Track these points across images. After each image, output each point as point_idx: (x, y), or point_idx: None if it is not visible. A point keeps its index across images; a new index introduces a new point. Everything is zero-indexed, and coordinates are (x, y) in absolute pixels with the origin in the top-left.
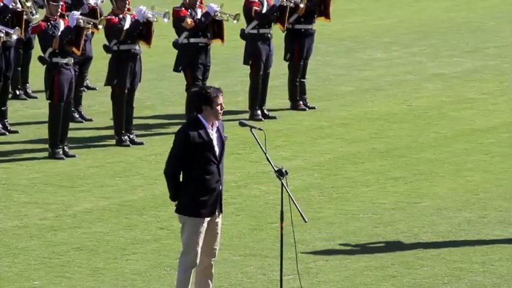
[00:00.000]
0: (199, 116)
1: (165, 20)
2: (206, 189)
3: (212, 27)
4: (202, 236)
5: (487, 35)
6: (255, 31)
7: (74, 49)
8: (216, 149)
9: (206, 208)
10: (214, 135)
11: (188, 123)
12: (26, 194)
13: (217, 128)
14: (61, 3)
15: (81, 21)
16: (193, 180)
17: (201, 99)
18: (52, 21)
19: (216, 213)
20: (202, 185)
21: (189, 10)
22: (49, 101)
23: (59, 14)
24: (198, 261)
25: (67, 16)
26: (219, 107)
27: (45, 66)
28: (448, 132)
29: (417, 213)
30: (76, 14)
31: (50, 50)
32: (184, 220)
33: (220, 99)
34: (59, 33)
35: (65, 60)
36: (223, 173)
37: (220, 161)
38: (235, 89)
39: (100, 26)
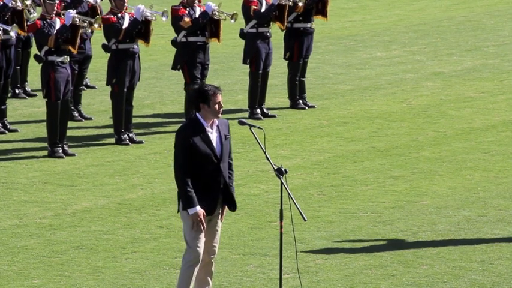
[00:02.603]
0: (197, 115)
1: (164, 19)
2: (206, 187)
3: (210, 26)
4: (203, 233)
5: (487, 33)
6: (254, 30)
7: (70, 47)
8: (216, 148)
9: (206, 206)
10: (214, 134)
11: (187, 123)
12: (25, 193)
13: (217, 126)
14: (57, 1)
15: (77, 20)
16: (193, 179)
17: (198, 97)
18: (48, 20)
19: (217, 211)
20: (202, 184)
21: (188, 9)
22: (46, 100)
23: (55, 12)
24: (200, 259)
25: (63, 15)
26: (217, 106)
27: (41, 64)
28: (448, 130)
29: (416, 211)
30: (72, 12)
31: (45, 48)
32: (185, 217)
33: (219, 98)
34: (55, 32)
35: (60, 59)
36: (227, 172)
37: (222, 160)
38: (234, 88)
39: (96, 25)
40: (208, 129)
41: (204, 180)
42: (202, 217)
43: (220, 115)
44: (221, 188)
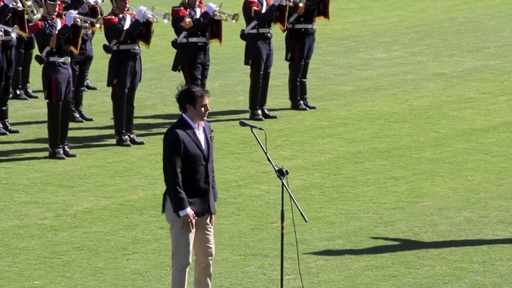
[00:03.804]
0: (184, 116)
1: (165, 21)
2: (194, 189)
3: (211, 26)
4: (192, 235)
5: (488, 34)
6: (254, 31)
7: (72, 48)
8: (204, 149)
9: (194, 208)
10: (201, 135)
11: (175, 124)
12: (26, 194)
13: (203, 128)
14: (58, 2)
15: (78, 20)
16: (183, 180)
17: (185, 98)
18: (49, 21)
19: (207, 212)
20: (190, 185)
21: (188, 9)
22: (47, 101)
23: (56, 13)
24: (190, 260)
25: (64, 15)
26: (203, 108)
27: (42, 65)
28: (449, 131)
29: (418, 212)
30: (73, 13)
31: (47, 49)
32: (173, 220)
33: (205, 101)
34: (56, 32)
35: (62, 59)
36: (212, 173)
37: (208, 161)
38: (235, 89)
39: (97, 25)
40: (196, 130)
41: (193, 181)
42: (192, 218)
43: (205, 118)
44: (209, 189)
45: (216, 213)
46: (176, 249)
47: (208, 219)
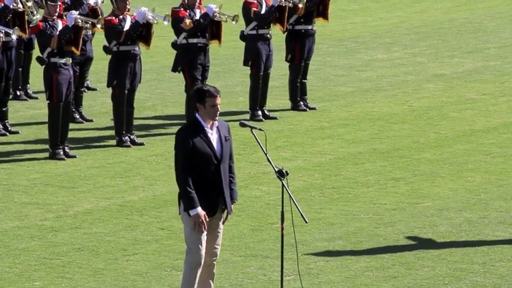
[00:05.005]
0: (197, 116)
1: (165, 23)
2: (205, 188)
3: (211, 28)
4: (204, 235)
5: (488, 35)
6: (254, 32)
7: (73, 49)
8: (216, 149)
9: (207, 207)
10: (214, 135)
11: (187, 124)
12: (26, 195)
13: (217, 128)
14: (59, 3)
15: (80, 21)
16: (194, 180)
17: (196, 97)
18: (50, 22)
19: (219, 212)
20: (202, 185)
21: (188, 10)
22: (48, 101)
23: (57, 14)
24: (202, 261)
25: (65, 16)
26: (212, 108)
27: (43, 66)
28: (449, 132)
29: (418, 213)
30: (74, 13)
31: (48, 50)
32: (186, 219)
33: (215, 101)
34: (57, 33)
35: (63, 60)
36: (229, 174)
37: (222, 161)
38: (235, 90)
39: (98, 26)
40: (208, 130)
41: (204, 181)
42: (203, 218)
43: (216, 118)
44: (221, 189)
45: (232, 212)
46: (188, 249)
47: (223, 219)
